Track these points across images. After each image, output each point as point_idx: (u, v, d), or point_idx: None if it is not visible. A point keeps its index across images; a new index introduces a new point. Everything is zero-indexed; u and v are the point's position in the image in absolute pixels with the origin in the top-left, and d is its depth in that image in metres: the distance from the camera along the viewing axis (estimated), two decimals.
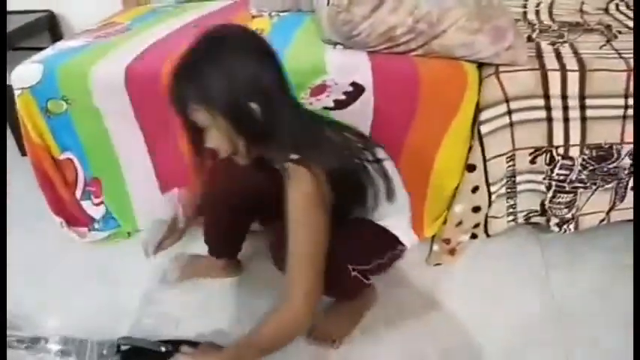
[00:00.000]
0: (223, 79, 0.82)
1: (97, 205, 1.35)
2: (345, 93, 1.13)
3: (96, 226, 1.37)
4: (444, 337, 1.10)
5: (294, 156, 0.87)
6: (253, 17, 1.47)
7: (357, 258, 0.98)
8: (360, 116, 1.14)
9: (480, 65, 1.15)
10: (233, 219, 1.11)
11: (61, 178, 1.31)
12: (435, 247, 1.28)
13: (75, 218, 1.37)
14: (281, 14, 1.48)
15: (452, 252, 1.27)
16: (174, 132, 1.19)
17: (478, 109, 1.14)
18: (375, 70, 1.12)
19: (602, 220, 1.24)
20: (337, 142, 0.93)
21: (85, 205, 1.35)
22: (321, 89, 1.13)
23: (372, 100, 1.14)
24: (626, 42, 1.23)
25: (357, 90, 1.12)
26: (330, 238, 0.90)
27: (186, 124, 0.90)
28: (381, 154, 0.98)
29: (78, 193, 1.34)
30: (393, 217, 1.00)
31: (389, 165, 0.98)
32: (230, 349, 0.96)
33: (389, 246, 1.03)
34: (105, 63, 1.19)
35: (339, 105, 1.14)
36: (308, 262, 0.88)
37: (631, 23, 1.36)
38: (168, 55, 1.16)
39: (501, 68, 1.11)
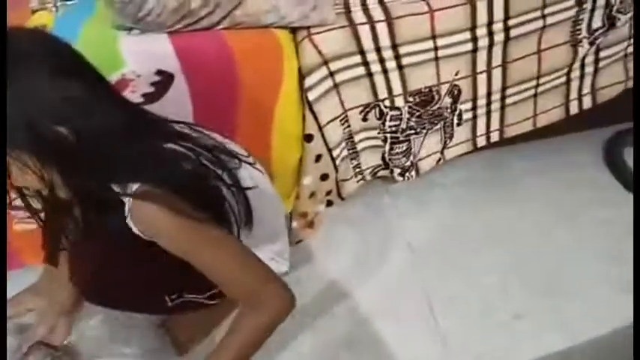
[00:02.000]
0: (13, 106, 0.63)
1: None
2: (152, 84, 1.01)
3: None
4: (314, 312, 1.09)
5: (132, 187, 0.70)
6: (34, 12, 1.25)
7: (190, 288, 0.88)
8: (177, 107, 1.03)
9: (293, 31, 1.10)
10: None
11: None
12: (294, 224, 1.24)
13: None
14: (68, 2, 1.27)
15: (311, 224, 1.25)
16: None
17: (301, 77, 1.09)
18: (179, 52, 1.00)
19: (439, 160, 1.30)
20: (178, 157, 0.77)
21: None
22: (122, 85, 0.98)
23: (186, 87, 1.02)
24: None
25: (165, 78, 1.00)
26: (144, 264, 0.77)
27: None
28: (241, 170, 0.85)
29: None
30: (262, 247, 0.90)
31: (258, 179, 0.87)
32: None
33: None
34: None
35: (150, 98, 1.01)
36: (252, 276, 0.76)
37: None
38: None
39: (313, 30, 1.07)
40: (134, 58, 0.99)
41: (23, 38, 0.69)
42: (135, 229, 0.73)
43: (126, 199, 0.71)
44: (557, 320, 1.04)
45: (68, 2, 1.28)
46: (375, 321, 1.06)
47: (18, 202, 1.04)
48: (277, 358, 1.02)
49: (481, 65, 1.19)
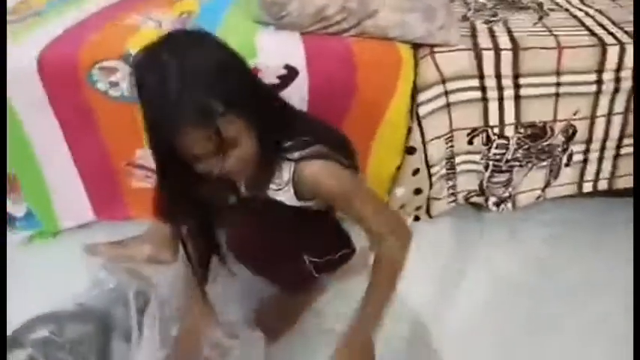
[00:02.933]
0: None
1: (17, 202, 1.25)
2: (278, 77, 1.08)
3: (17, 224, 1.27)
4: (393, 325, 1.08)
5: (293, 154, 0.82)
6: None
7: (312, 249, 0.97)
8: (295, 100, 1.08)
9: (415, 47, 1.13)
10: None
11: None
12: None
13: None
14: None
15: None
16: (95, 124, 1.11)
17: (415, 91, 1.12)
18: (308, 51, 1.07)
19: (539, 197, 1.26)
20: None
21: None
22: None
23: (307, 83, 1.09)
24: (556, 19, 1.24)
25: (290, 73, 1.07)
26: (291, 226, 0.87)
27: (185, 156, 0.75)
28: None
29: None
30: None
31: None
32: (354, 334, 0.83)
33: (343, 244, 1.03)
34: (15, 49, 1.08)
35: (274, 89, 1.10)
36: (387, 214, 0.87)
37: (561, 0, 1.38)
38: (87, 40, 1.07)
39: (436, 49, 1.10)
40: (267, 52, 1.07)
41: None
42: (290, 192, 0.84)
43: (288, 163, 0.82)
44: None
45: None
46: (447, 350, 1.04)
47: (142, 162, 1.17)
48: None
49: (602, 109, 1.15)
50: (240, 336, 0.94)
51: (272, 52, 1.07)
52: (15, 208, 1.26)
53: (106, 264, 1.12)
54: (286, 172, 0.83)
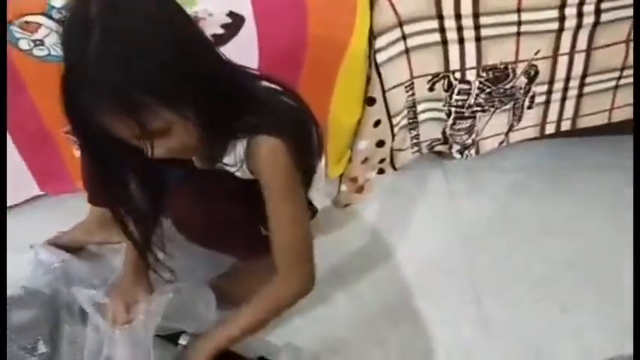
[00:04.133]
0: (174, 51, 0.61)
1: None
2: (222, 26, 1.00)
3: None
4: (352, 277, 1.08)
5: (249, 127, 0.74)
6: None
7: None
8: (244, 52, 1.00)
9: None
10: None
11: None
12: (343, 187, 1.23)
13: None
14: None
15: (360, 190, 1.23)
16: (24, 88, 1.00)
17: (372, 36, 1.05)
18: None
19: (502, 142, 1.24)
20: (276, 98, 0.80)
21: None
22: None
23: (256, 32, 1.00)
24: None
25: (235, 21, 0.98)
26: (246, 198, 0.81)
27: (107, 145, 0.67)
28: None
29: None
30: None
31: None
32: (217, 331, 0.86)
33: None
34: None
35: (219, 41, 0.99)
36: (300, 245, 0.82)
37: None
38: None
39: None
40: None
41: None
42: (243, 166, 0.78)
43: (243, 138, 0.75)
44: (602, 321, 1.01)
45: None
46: (417, 296, 1.05)
47: None
48: (310, 311, 1.02)
49: (564, 47, 1.11)
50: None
51: None
52: None
53: (47, 244, 1.05)
54: (240, 144, 0.77)
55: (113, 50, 0.58)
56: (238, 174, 0.81)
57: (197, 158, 0.85)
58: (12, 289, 0.96)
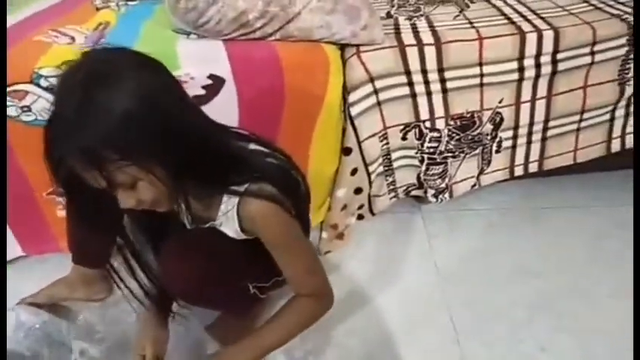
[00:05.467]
0: (147, 112, 0.66)
1: None
2: (204, 87, 1.05)
3: None
4: (334, 321, 1.08)
5: (238, 188, 0.77)
6: (98, 9, 1.32)
7: (258, 276, 0.94)
8: (225, 111, 1.06)
9: (342, 48, 1.13)
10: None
11: None
12: (324, 235, 1.25)
13: None
14: (129, 3, 1.34)
15: (340, 236, 1.26)
16: (11, 152, 1.03)
17: (346, 92, 1.11)
18: (232, 58, 1.04)
19: (474, 185, 1.30)
20: (264, 154, 0.84)
21: None
22: None
23: (235, 92, 1.06)
24: (477, 10, 1.28)
25: (216, 83, 1.04)
26: (235, 257, 0.84)
27: (79, 191, 0.71)
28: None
29: None
30: None
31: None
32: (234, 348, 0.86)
33: None
34: None
35: (201, 101, 1.05)
36: (317, 278, 0.86)
37: None
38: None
39: (362, 48, 1.10)
40: (189, 61, 1.03)
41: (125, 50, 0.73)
42: (235, 226, 0.80)
43: (233, 198, 0.78)
44: (581, 358, 1.03)
45: (130, 3, 1.35)
46: (397, 342, 1.05)
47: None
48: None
49: (526, 95, 1.19)
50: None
51: (195, 62, 1.03)
52: None
53: (27, 306, 1.05)
54: (230, 205, 0.79)
55: (86, 111, 0.64)
56: (231, 234, 0.83)
57: (186, 217, 0.84)
58: None
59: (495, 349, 1.04)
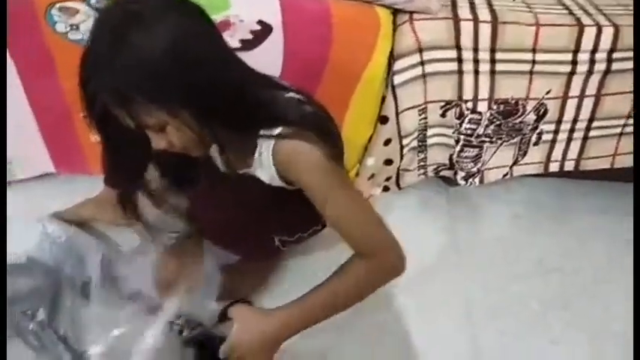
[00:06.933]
0: (178, 58, 0.65)
1: None
2: (252, 32, 1.04)
3: None
4: None
5: (272, 131, 0.75)
6: None
7: (284, 229, 0.94)
8: (269, 59, 1.05)
9: (395, 12, 1.10)
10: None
11: None
12: None
13: None
14: None
15: None
16: (54, 69, 1.05)
17: (392, 58, 1.09)
18: (284, 7, 1.02)
19: (506, 174, 1.27)
20: (301, 102, 0.82)
21: None
22: (224, 26, 1.01)
23: (282, 42, 1.05)
24: None
25: (264, 29, 1.03)
26: (266, 206, 0.82)
27: (114, 132, 0.74)
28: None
29: None
30: None
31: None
32: (282, 312, 0.77)
33: (315, 221, 0.97)
34: None
35: (247, 45, 1.04)
36: (372, 229, 0.77)
37: None
38: None
39: (415, 16, 1.07)
40: (240, 3, 1.02)
41: None
42: (271, 171, 0.77)
43: (267, 142, 0.75)
44: (593, 356, 1.02)
45: None
46: (409, 318, 1.05)
47: None
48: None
49: (575, 90, 1.15)
50: None
51: (246, 5, 1.01)
52: None
53: (56, 218, 1.07)
54: (265, 149, 0.77)
55: (117, 51, 0.65)
56: (266, 180, 0.81)
57: (220, 162, 0.85)
58: (18, 257, 0.99)
59: (507, 337, 1.04)
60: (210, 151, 0.85)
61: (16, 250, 1.02)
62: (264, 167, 0.79)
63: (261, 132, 0.76)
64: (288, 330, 0.77)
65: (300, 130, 0.75)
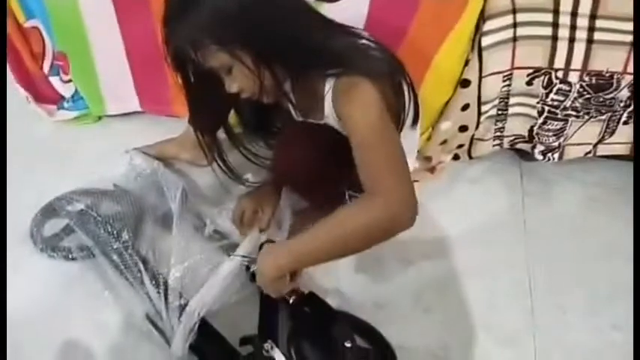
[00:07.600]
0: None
1: (67, 82, 1.27)
2: None
3: (65, 104, 1.29)
4: (413, 255, 1.10)
5: (337, 70, 0.77)
6: None
7: (356, 187, 0.94)
8: (353, 13, 1.04)
9: None
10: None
11: (27, 48, 1.21)
12: (416, 164, 1.24)
13: (43, 94, 1.29)
14: None
15: (432, 170, 1.24)
16: (149, 11, 1.09)
17: (482, 19, 1.05)
18: None
19: (588, 152, 1.21)
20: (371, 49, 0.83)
21: (54, 80, 1.26)
22: None
23: None
24: None
25: None
26: (342, 157, 0.81)
27: (194, 79, 0.83)
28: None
29: (46, 67, 1.24)
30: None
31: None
32: (292, 244, 0.81)
33: None
34: None
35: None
36: (389, 172, 0.72)
37: None
38: None
39: None
40: None
41: None
42: (329, 109, 0.80)
43: (331, 81, 0.78)
44: None
45: None
46: (471, 280, 1.06)
47: None
48: (360, 270, 1.06)
49: None
50: None
51: None
52: (63, 88, 1.28)
53: (143, 151, 1.14)
54: (329, 87, 0.79)
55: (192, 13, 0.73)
56: (335, 125, 0.83)
57: (293, 110, 0.89)
58: (106, 184, 1.07)
59: (568, 314, 1.02)
60: (282, 101, 0.88)
61: (102, 177, 1.11)
62: (330, 110, 0.81)
63: (327, 72, 0.79)
64: (293, 256, 0.78)
65: (365, 72, 0.76)
